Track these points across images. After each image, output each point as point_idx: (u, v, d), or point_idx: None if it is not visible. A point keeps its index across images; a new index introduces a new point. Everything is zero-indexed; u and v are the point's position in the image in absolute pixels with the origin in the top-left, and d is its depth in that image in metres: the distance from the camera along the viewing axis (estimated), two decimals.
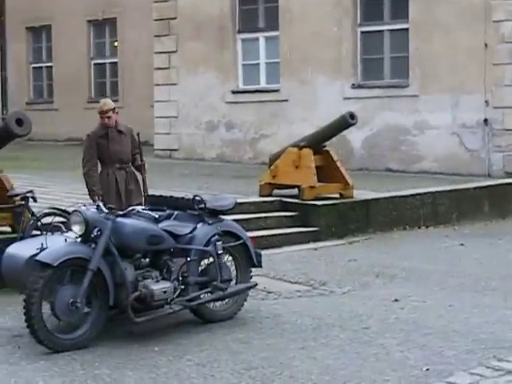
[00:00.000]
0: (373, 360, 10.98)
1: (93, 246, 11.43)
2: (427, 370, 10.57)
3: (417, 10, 25.91)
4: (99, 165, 14.77)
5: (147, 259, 12.04)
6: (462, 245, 19.22)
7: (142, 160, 14.72)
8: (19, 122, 14.70)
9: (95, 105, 34.71)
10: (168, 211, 12.79)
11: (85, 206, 12.27)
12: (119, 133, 14.66)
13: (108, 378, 10.21)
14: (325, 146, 20.63)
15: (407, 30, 26.33)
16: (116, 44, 36.67)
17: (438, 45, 25.39)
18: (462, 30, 24.97)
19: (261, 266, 13.43)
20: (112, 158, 14.63)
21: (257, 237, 15.06)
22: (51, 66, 38.62)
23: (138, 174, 14.78)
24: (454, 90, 25.16)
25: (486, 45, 24.85)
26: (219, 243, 12.68)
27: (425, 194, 21.69)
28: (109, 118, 14.65)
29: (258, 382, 10.09)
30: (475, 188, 23.16)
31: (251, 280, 13.29)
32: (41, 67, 39.20)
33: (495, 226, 21.96)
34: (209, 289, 12.58)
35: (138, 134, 15.17)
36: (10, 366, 10.62)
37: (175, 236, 12.25)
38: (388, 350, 11.40)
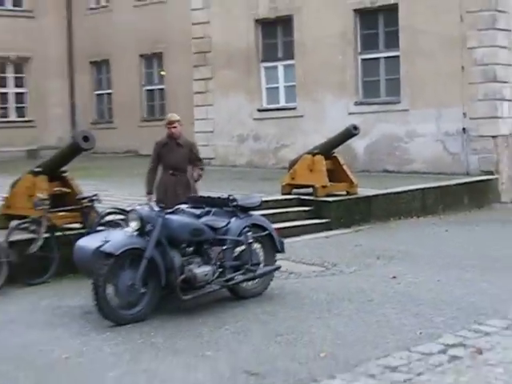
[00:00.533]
0: (375, 326, 10.96)
1: (147, 238, 11.46)
2: (420, 333, 10.54)
3: (405, 41, 25.86)
4: (162, 169, 14.82)
5: (191, 248, 12.06)
6: (446, 231, 19.18)
7: (200, 168, 14.69)
8: (85, 138, 14.72)
9: (147, 123, 35.15)
10: (207, 209, 12.82)
11: (140, 205, 12.35)
12: (177, 145, 14.63)
13: (162, 345, 10.22)
14: (334, 153, 20.61)
15: (398, 56, 26.27)
16: (162, 73, 36.68)
17: (424, 68, 25.33)
18: (443, 56, 24.90)
19: (283, 252, 13.44)
20: (167, 165, 14.65)
21: (279, 228, 15.05)
22: (111, 93, 38.65)
23: (191, 180, 14.76)
24: (437, 105, 25.09)
25: (462, 68, 24.79)
26: (249, 234, 12.72)
27: (415, 190, 21.66)
28: (174, 127, 14.69)
29: (283, 346, 10.08)
30: (456, 184, 23.15)
31: (276, 263, 13.29)
32: (102, 94, 39.23)
33: (473, 215, 21.92)
34: (241, 271, 12.60)
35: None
36: (82, 337, 10.65)
37: (213, 229, 12.29)
38: (388, 318, 11.37)
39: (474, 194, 23.34)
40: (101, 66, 38.95)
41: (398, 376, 8.83)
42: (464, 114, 24.86)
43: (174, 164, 14.59)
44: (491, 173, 24.56)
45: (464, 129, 24.92)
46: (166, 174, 14.73)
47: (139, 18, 36.26)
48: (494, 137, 24.74)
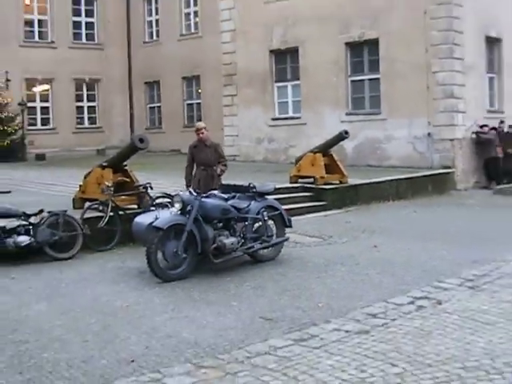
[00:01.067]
0: (361, 284, 10.95)
1: (187, 216, 11.51)
2: (395, 288, 10.54)
3: (385, 66, 25.79)
4: (195, 165, 14.80)
5: (221, 224, 12.13)
6: (415, 211, 19.12)
7: (223, 164, 14.62)
8: (141, 140, 14.73)
9: (187, 129, 35.21)
10: (233, 194, 12.88)
11: (182, 191, 12.39)
12: (205, 146, 14.60)
13: (198, 297, 10.25)
14: (330, 152, 20.59)
15: (379, 78, 26.19)
16: (199, 91, 36.67)
17: (399, 87, 25.25)
18: (413, 78, 24.82)
19: (291, 227, 13.45)
20: (199, 162, 14.63)
21: (288, 208, 15.03)
22: (160, 106, 38.68)
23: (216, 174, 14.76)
24: (409, 115, 25.02)
25: (427, 87, 24.70)
26: (265, 213, 12.81)
27: (391, 180, 21.58)
28: (202, 133, 14.64)
29: (291, 299, 10.10)
30: (423, 176, 23.06)
31: (285, 235, 13.32)
32: (154, 106, 39.23)
33: (435, 199, 21.87)
34: (259, 241, 12.66)
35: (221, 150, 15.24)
36: (138, 291, 10.69)
37: (238, 209, 12.34)
38: (370, 277, 11.37)
39: (436, 183, 23.27)
40: (153, 85, 38.97)
41: (378, 321, 8.84)
42: (429, 123, 24.80)
43: (204, 161, 14.57)
44: (449, 167, 24.50)
45: (429, 133, 24.85)
46: (198, 169, 14.69)
47: (182, 49, 36.33)
48: (451, 140, 24.67)
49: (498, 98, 27.48)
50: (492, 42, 26.93)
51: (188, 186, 14.17)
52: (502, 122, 26.25)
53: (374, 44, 26.16)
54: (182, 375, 7.07)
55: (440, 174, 24.01)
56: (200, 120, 36.12)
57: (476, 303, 9.63)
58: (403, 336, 8.20)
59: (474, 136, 25.36)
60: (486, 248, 13.73)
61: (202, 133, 14.67)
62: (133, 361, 7.51)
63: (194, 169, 14.78)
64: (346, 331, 8.43)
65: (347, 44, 26.83)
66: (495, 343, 7.84)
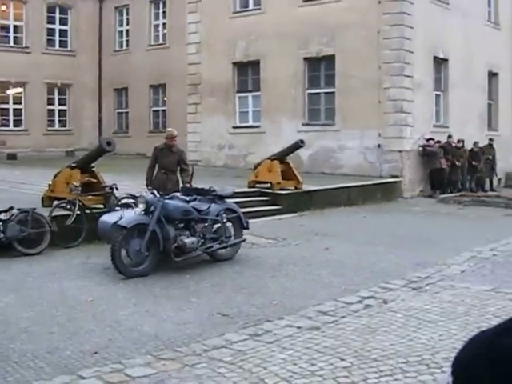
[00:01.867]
0: (313, 283, 11.00)
1: (150, 216, 11.49)
2: (344, 288, 10.61)
3: (340, 81, 25.89)
4: (157, 167, 14.71)
5: (182, 224, 12.12)
6: (364, 217, 19.23)
7: (187, 170, 14.53)
8: (109, 143, 14.68)
9: (153, 134, 35.14)
10: (194, 196, 12.86)
11: (146, 193, 12.36)
12: (171, 152, 14.54)
13: (159, 293, 10.23)
14: (286, 159, 20.62)
15: (334, 92, 26.28)
16: (165, 99, 36.57)
17: (352, 101, 25.35)
18: (366, 93, 24.95)
19: (248, 229, 13.47)
20: (161, 165, 14.55)
21: (246, 211, 15.02)
22: (127, 112, 38.49)
23: (179, 178, 14.66)
24: (361, 128, 25.13)
25: (379, 102, 24.84)
26: (224, 215, 12.81)
27: (343, 187, 21.63)
28: (175, 141, 14.62)
29: (246, 296, 10.10)
30: (372, 184, 23.16)
31: (243, 236, 13.33)
32: (122, 112, 38.99)
33: (384, 206, 21.99)
34: (218, 241, 12.67)
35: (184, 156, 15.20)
36: (102, 286, 10.64)
37: (198, 211, 12.34)
38: (322, 278, 11.42)
39: (384, 191, 23.39)
40: (121, 91, 38.77)
41: (328, 318, 8.88)
42: (379, 135, 24.92)
43: (167, 166, 14.50)
44: (397, 176, 24.63)
45: (379, 145, 24.98)
46: (159, 172, 14.61)
47: (150, 59, 36.18)
48: (399, 151, 24.82)
49: (443, 113, 27.74)
50: (439, 62, 27.18)
51: (148, 185, 14.12)
52: (449, 136, 26.52)
53: (330, 60, 26.25)
54: (143, 366, 7.06)
55: (388, 182, 24.14)
56: (165, 126, 36.13)
57: (419, 303, 9.71)
58: (351, 332, 8.24)
59: (420, 148, 25.58)
60: (429, 252, 13.84)
61: (176, 140, 14.64)
62: (96, 352, 7.47)
63: (155, 171, 14.71)
64: (298, 327, 8.46)
65: (305, 59, 26.90)
66: (436, 340, 7.91)
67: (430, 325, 8.55)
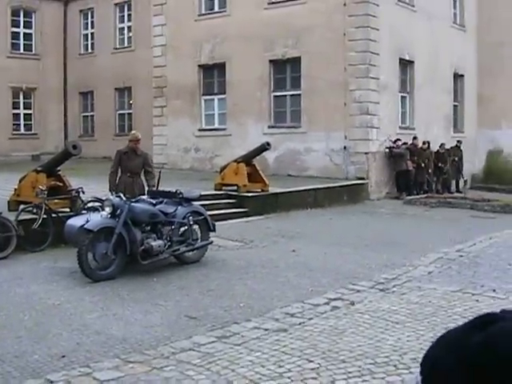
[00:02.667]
0: (280, 285, 11.02)
1: (117, 219, 11.47)
2: (311, 290, 10.65)
3: (305, 83, 25.97)
4: (121, 171, 14.60)
5: (149, 227, 12.12)
6: (331, 219, 19.30)
7: (152, 172, 14.46)
8: (74, 147, 14.65)
9: (118, 137, 35.06)
10: (161, 199, 12.84)
11: (112, 196, 12.33)
12: (136, 155, 14.48)
13: (126, 296, 10.21)
14: (253, 161, 20.64)
15: (300, 94, 26.36)
16: (131, 102, 36.45)
17: (318, 103, 25.45)
18: (332, 95, 25.06)
19: (215, 231, 13.46)
20: (126, 169, 14.48)
21: (212, 214, 15.05)
22: (93, 115, 38.32)
23: (144, 181, 14.59)
24: (327, 130, 25.23)
25: (345, 104, 24.96)
26: (191, 218, 12.83)
27: (309, 189, 21.71)
28: (139, 143, 14.54)
29: (214, 298, 10.11)
30: (339, 186, 23.22)
31: (209, 239, 13.33)
32: (87, 115, 38.82)
33: (350, 208, 22.06)
34: (185, 244, 12.67)
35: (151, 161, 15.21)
36: (69, 290, 10.60)
37: (165, 213, 12.33)
38: (289, 279, 11.45)
39: (351, 193, 23.49)
40: (87, 95, 38.58)
41: (295, 320, 8.91)
42: (345, 137, 25.04)
43: (131, 169, 14.43)
44: (363, 178, 24.75)
45: (345, 147, 25.09)
46: (124, 175, 14.49)
47: (115, 62, 36.04)
48: (366, 153, 24.94)
49: (409, 115, 27.94)
50: (405, 64, 27.36)
51: (112, 190, 13.99)
52: (414, 138, 26.69)
53: (296, 62, 26.33)
54: (111, 369, 7.05)
55: (355, 184, 24.25)
56: (131, 129, 36.00)
57: (386, 304, 9.78)
58: (319, 334, 8.28)
59: (386, 150, 25.73)
60: (396, 253, 13.93)
61: (140, 143, 14.58)
62: (64, 356, 7.45)
63: (119, 175, 14.62)
64: (266, 329, 8.49)
65: (271, 61, 26.96)
66: (403, 341, 7.98)
67: (398, 326, 8.62)
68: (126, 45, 36.77)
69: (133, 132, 15.50)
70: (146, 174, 14.49)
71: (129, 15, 36.44)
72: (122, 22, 36.92)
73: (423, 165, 26.79)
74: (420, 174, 26.86)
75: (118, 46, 37.02)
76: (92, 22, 38.38)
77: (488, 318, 1.46)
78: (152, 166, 14.86)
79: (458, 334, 1.48)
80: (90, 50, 38.64)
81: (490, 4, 32.64)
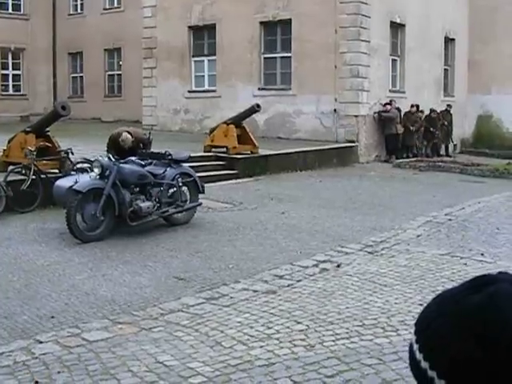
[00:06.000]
0: (269, 247, 11.06)
1: (106, 180, 11.44)
2: (300, 252, 10.69)
3: (296, 45, 25.82)
4: None
5: (137, 188, 12.12)
6: (320, 181, 19.28)
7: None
8: (63, 107, 14.53)
9: (108, 99, 34.91)
10: (150, 160, 12.80)
11: (101, 156, 12.26)
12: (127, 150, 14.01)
13: (115, 257, 10.23)
14: (243, 123, 20.57)
15: (290, 57, 26.23)
16: (120, 63, 36.25)
17: (308, 66, 25.33)
18: (322, 57, 24.94)
19: (204, 193, 13.43)
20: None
21: (202, 176, 15.01)
22: (82, 76, 38.10)
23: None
24: (317, 92, 25.14)
25: (335, 66, 24.85)
26: (180, 179, 12.82)
27: (299, 152, 21.67)
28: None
29: (203, 260, 10.15)
30: (328, 149, 23.18)
31: (199, 201, 13.31)
32: (76, 76, 38.59)
33: (340, 171, 22.04)
34: (174, 206, 12.68)
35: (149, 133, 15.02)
36: (58, 251, 10.60)
37: (154, 175, 12.32)
38: (278, 242, 11.47)
39: (340, 156, 23.47)
40: (76, 56, 38.34)
41: (284, 282, 8.94)
42: (335, 99, 24.97)
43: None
44: (353, 141, 24.72)
45: (335, 110, 25.03)
46: None
47: (105, 22, 35.75)
48: (356, 116, 24.89)
49: (399, 79, 27.85)
50: (396, 27, 27.20)
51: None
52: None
53: (286, 24, 26.16)
54: (100, 330, 7.06)
55: (344, 147, 24.22)
56: (121, 91, 35.92)
57: (375, 267, 9.81)
58: (307, 296, 8.31)
59: (376, 114, 25.68)
60: (384, 216, 13.97)
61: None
62: (53, 317, 7.46)
63: None
64: (254, 291, 8.51)
65: (262, 23, 26.77)
66: (391, 303, 8.01)
67: (386, 288, 8.65)
68: (115, 5, 36.48)
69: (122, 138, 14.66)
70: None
71: None
72: None
73: (412, 128, 26.74)
74: (409, 137, 26.83)
75: (107, 7, 36.73)
76: None
77: (486, 280, 1.44)
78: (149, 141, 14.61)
79: (454, 294, 1.46)
80: (79, 11, 38.31)
81: None
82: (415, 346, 1.47)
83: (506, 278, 1.44)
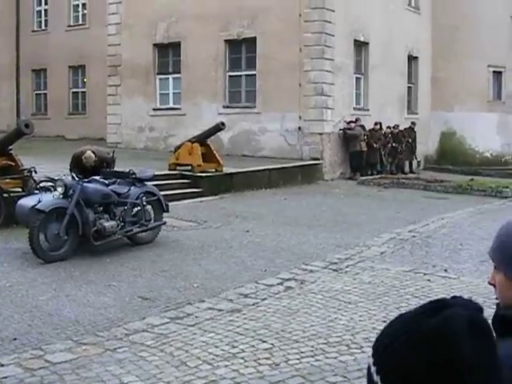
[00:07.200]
0: (234, 265, 11.05)
1: (69, 200, 11.37)
2: (265, 270, 10.68)
3: (260, 63, 25.91)
4: None
5: (101, 207, 12.04)
6: (285, 199, 19.31)
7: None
8: (27, 125, 14.41)
9: (72, 116, 34.68)
10: (114, 179, 12.75)
11: (65, 176, 12.22)
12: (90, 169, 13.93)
13: (79, 277, 10.16)
14: (207, 141, 20.57)
15: (255, 75, 26.32)
16: (85, 80, 36.13)
17: (273, 84, 25.42)
18: (286, 75, 25.05)
19: (168, 211, 13.39)
20: None
21: (166, 194, 14.98)
22: (46, 93, 37.90)
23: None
24: (281, 110, 25.24)
25: (300, 84, 24.97)
26: (144, 198, 12.79)
27: (264, 169, 21.69)
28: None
29: (167, 279, 10.12)
30: (293, 166, 23.25)
31: (163, 219, 13.29)
32: (40, 93, 38.39)
33: (304, 188, 22.11)
34: (138, 225, 12.62)
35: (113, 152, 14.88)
36: (21, 271, 10.50)
37: (118, 194, 12.27)
38: (243, 260, 11.48)
39: (305, 174, 23.54)
40: (40, 73, 38.14)
41: (249, 300, 8.94)
42: (300, 117, 25.07)
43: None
44: (318, 159, 24.82)
45: (299, 127, 25.14)
46: None
47: (69, 39, 35.62)
48: (320, 134, 25.01)
49: (363, 96, 28.07)
50: (360, 45, 27.44)
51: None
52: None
53: (251, 42, 26.26)
54: (63, 352, 7.01)
55: (309, 165, 24.31)
56: (85, 108, 35.74)
57: (339, 284, 9.85)
58: (272, 314, 8.32)
59: (340, 131, 25.82)
60: (349, 233, 14.04)
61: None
62: (15, 339, 7.39)
63: None
64: (219, 310, 8.50)
65: (226, 41, 26.86)
66: (356, 320, 8.05)
67: (350, 306, 8.69)
68: (80, 22, 36.38)
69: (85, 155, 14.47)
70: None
71: None
72: None
73: (375, 145, 26.97)
74: (373, 154, 27.04)
75: (72, 24, 36.62)
76: None
77: (440, 304, 1.49)
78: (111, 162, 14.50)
79: (410, 318, 1.51)
80: (43, 27, 38.15)
81: None
82: (373, 369, 1.51)
83: (460, 302, 1.50)
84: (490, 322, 1.59)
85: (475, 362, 1.43)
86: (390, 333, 1.52)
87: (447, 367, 1.42)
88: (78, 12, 36.59)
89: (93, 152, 13.82)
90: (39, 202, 11.49)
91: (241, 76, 27.06)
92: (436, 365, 1.42)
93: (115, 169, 13.97)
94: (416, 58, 31.79)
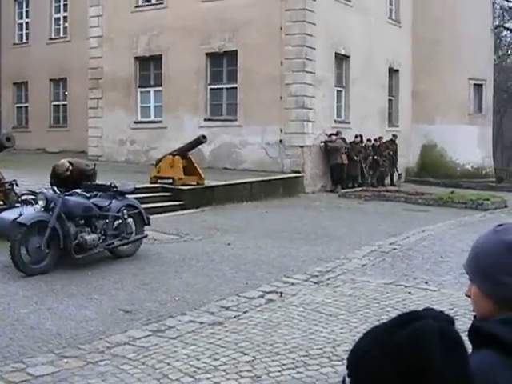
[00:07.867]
0: (215, 278, 11.06)
1: (51, 213, 11.36)
2: (246, 283, 10.71)
3: (242, 77, 26.01)
4: None
5: (82, 221, 12.02)
6: (266, 212, 19.36)
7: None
8: (8, 138, 14.38)
9: (53, 129, 34.61)
10: (95, 192, 12.74)
11: (46, 189, 12.20)
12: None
13: (60, 290, 10.14)
14: (188, 154, 20.61)
15: (236, 88, 26.40)
16: (66, 93, 36.09)
17: (254, 97, 25.52)
18: (267, 88, 25.16)
19: (150, 225, 13.40)
20: None
21: (147, 207, 14.99)
22: (27, 106, 37.82)
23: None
24: (262, 123, 25.32)
25: (281, 97, 25.08)
26: (125, 211, 12.78)
27: (245, 182, 21.72)
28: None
29: (149, 292, 10.12)
30: (274, 179, 23.32)
31: (144, 232, 13.30)
32: (21, 106, 38.34)
33: (286, 201, 22.17)
34: (119, 238, 12.61)
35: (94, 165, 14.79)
36: (2, 284, 10.46)
37: (99, 207, 12.27)
38: (224, 273, 11.50)
39: (286, 186, 23.61)
40: (21, 86, 38.07)
41: (230, 313, 8.97)
42: (281, 130, 25.17)
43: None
44: (299, 172, 24.92)
45: (281, 140, 25.23)
46: None
47: (50, 52, 35.59)
48: (301, 146, 25.11)
49: (344, 109, 28.21)
50: (341, 59, 27.61)
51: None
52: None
53: (232, 55, 26.37)
54: (45, 365, 7.01)
55: (290, 177, 24.39)
56: (66, 121, 35.67)
57: (320, 297, 9.90)
58: (253, 327, 8.35)
59: (322, 144, 25.92)
60: (330, 246, 14.09)
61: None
62: None
63: None
64: (201, 323, 8.53)
65: (208, 54, 26.95)
66: (337, 333, 8.09)
67: (331, 318, 8.74)
68: (61, 35, 36.37)
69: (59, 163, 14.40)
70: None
71: (65, 5, 36.03)
72: (58, 11, 36.51)
73: (356, 158, 27.11)
74: (353, 167, 27.17)
75: (53, 37, 36.60)
76: (27, 12, 37.86)
77: (412, 316, 1.55)
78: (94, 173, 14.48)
79: (383, 329, 1.56)
80: (24, 40, 38.12)
81: (424, 1, 33.11)
82: (347, 380, 1.56)
83: (431, 314, 1.55)
84: (465, 333, 1.65)
85: (446, 373, 1.48)
86: (365, 344, 1.57)
87: (419, 377, 1.48)
88: (59, 25, 36.59)
89: (69, 162, 13.79)
90: (20, 215, 11.48)
91: (222, 89, 27.15)
92: (408, 375, 1.48)
93: (96, 182, 13.98)
94: (397, 70, 32.00)
